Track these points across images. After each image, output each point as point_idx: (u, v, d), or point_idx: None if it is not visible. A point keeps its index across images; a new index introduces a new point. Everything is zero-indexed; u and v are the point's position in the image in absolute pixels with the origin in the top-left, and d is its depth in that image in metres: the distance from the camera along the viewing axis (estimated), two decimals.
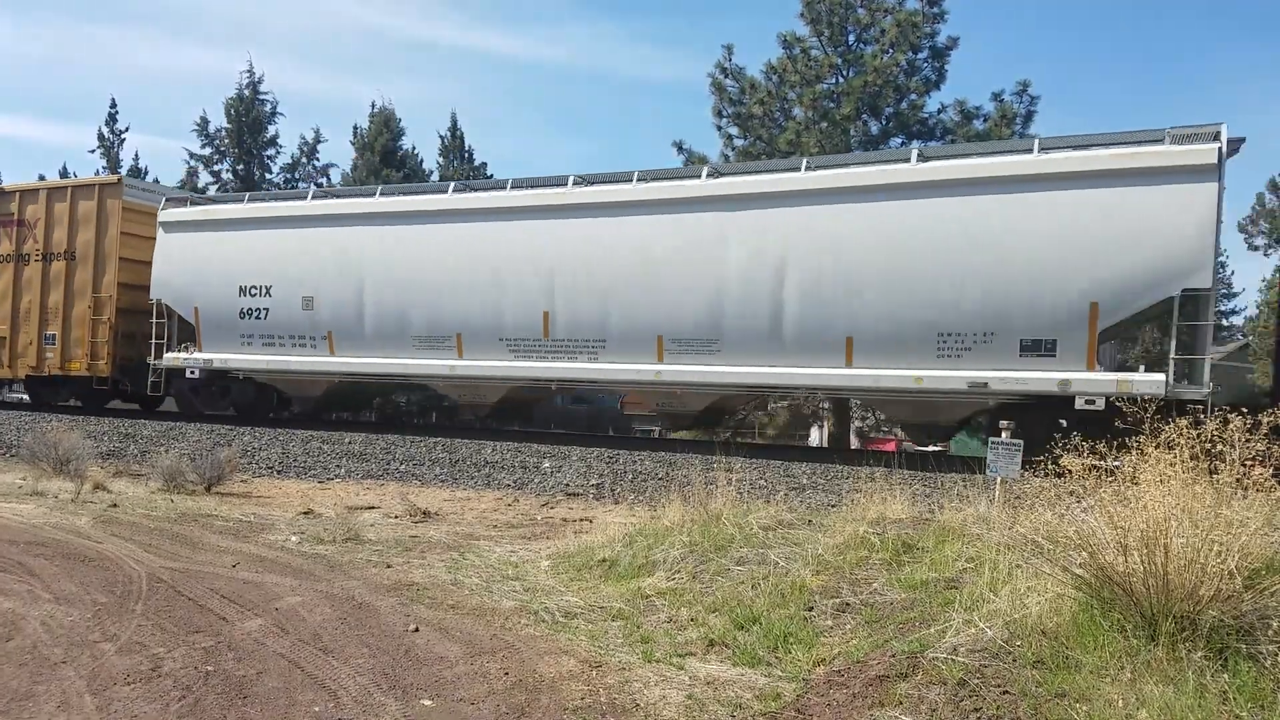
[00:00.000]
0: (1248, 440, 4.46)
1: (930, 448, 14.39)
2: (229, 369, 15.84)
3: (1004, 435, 7.78)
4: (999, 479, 7.54)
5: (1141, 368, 11.43)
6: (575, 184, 13.51)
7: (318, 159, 33.26)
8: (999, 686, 3.95)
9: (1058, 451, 4.84)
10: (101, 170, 34.04)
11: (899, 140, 21.13)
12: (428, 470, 12.30)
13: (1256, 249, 33.11)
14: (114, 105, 35.00)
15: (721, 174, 12.86)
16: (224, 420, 15.83)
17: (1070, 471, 4.74)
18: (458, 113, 66.07)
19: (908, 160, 11.58)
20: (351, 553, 7.73)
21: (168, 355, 16.14)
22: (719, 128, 22.41)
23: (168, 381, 16.52)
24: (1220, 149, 10.13)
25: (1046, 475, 5.05)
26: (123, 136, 34.83)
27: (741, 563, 6.45)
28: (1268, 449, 4.47)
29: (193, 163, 32.64)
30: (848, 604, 5.49)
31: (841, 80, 21.09)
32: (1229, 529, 4.06)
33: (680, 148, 22.48)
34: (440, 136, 32.60)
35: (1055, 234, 10.57)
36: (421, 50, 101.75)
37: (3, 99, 71.79)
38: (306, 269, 14.96)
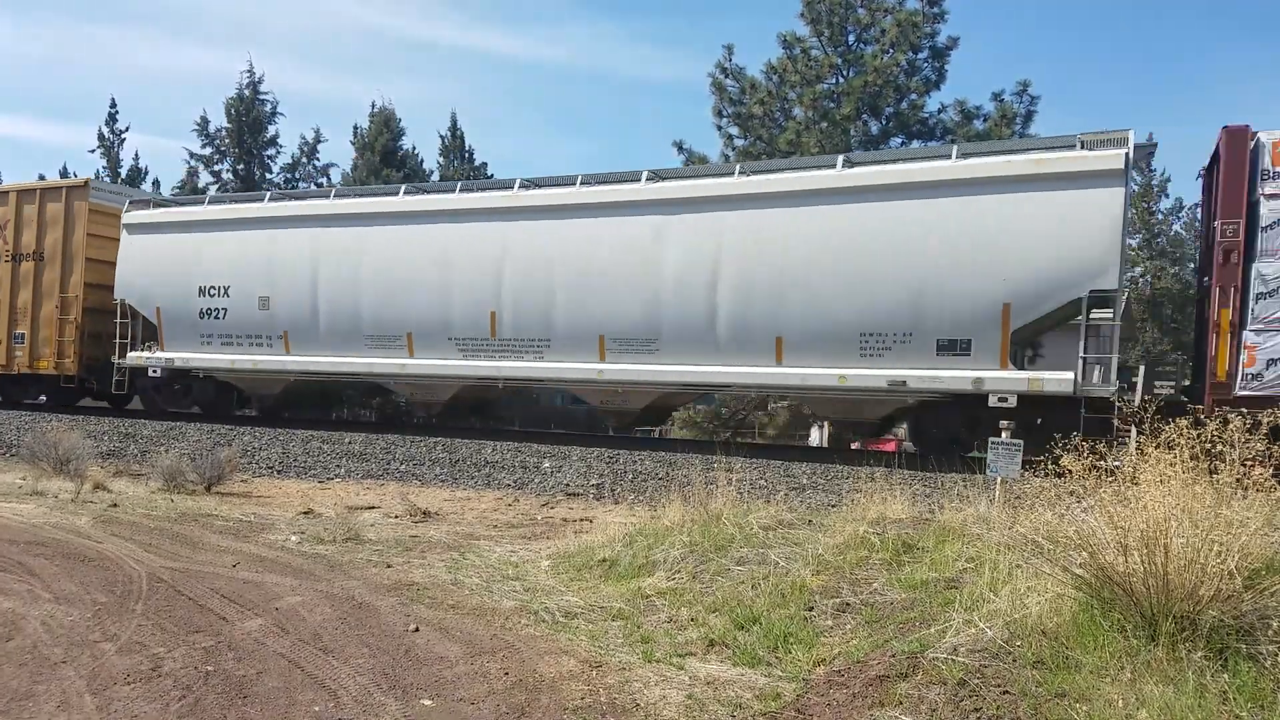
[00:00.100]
0: (1247, 440, 4.46)
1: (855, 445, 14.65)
2: (190, 368, 16.22)
3: (1004, 435, 7.79)
4: (999, 479, 7.55)
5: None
6: (521, 187, 13.91)
7: (318, 159, 33.31)
8: (999, 686, 3.95)
9: (1058, 452, 4.85)
10: (102, 170, 34.05)
11: (899, 140, 21.16)
12: (428, 470, 12.30)
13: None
14: (114, 105, 34.96)
15: (661, 178, 13.20)
16: (224, 420, 15.86)
17: (1070, 471, 4.74)
18: (458, 113, 66.15)
19: (834, 167, 12.00)
20: (351, 552, 7.74)
21: (131, 354, 16.48)
22: (719, 128, 22.47)
23: (132, 380, 16.85)
24: (1127, 154, 10.46)
25: (1047, 475, 5.05)
26: (123, 136, 34.80)
27: (742, 563, 6.45)
28: (1268, 449, 4.48)
29: (193, 163, 32.71)
30: (848, 604, 5.49)
31: (842, 80, 21.11)
32: (1229, 529, 4.06)
33: (680, 148, 22.54)
34: (440, 136, 32.69)
35: (971, 237, 10.92)
36: (421, 50, 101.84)
37: (3, 99, 71.83)
38: (263, 270, 15.28)
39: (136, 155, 50.00)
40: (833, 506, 8.90)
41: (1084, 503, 4.73)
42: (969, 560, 5.65)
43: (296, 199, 16.19)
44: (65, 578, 6.45)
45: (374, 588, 6.48)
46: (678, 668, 4.88)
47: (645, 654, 5.09)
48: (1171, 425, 4.60)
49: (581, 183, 13.46)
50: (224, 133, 32.34)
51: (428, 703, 4.38)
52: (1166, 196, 34.25)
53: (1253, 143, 10.21)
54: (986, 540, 5.87)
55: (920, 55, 21.12)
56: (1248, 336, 10.00)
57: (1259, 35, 72.89)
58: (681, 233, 12.46)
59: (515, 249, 13.47)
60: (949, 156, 11.40)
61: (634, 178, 13.17)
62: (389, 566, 7.23)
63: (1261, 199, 10.05)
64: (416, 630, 5.47)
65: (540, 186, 13.91)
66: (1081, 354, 10.60)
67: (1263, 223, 10.02)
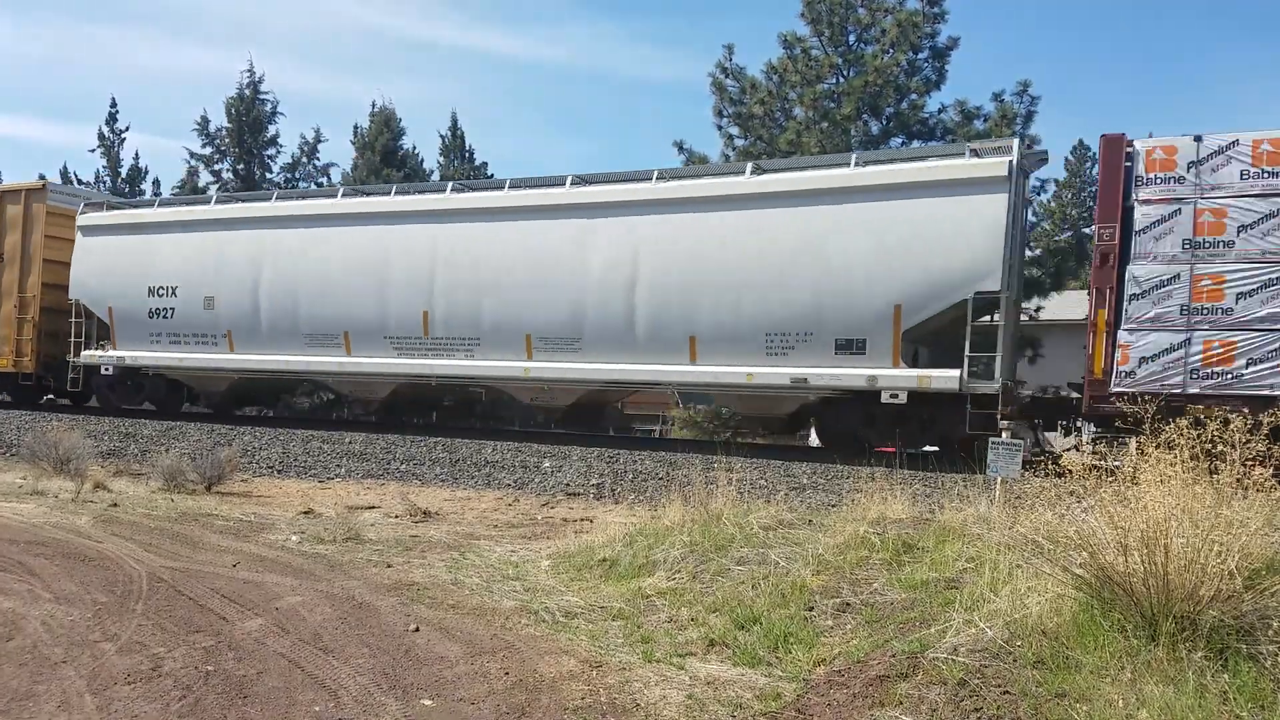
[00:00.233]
0: (1248, 441, 4.46)
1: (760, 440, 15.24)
2: (140, 366, 16.55)
3: (1004, 435, 7.79)
4: (999, 479, 7.55)
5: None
6: (454, 190, 14.42)
7: (318, 159, 33.23)
8: (999, 686, 3.95)
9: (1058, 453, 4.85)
10: (102, 170, 34.12)
11: (899, 140, 21.13)
12: (428, 470, 12.31)
13: None
14: (114, 105, 35.01)
15: (586, 183, 13.53)
16: (223, 420, 15.88)
17: (1071, 471, 4.74)
18: (458, 112, 65.89)
19: (743, 174, 12.51)
20: (352, 552, 7.74)
21: (85, 353, 16.83)
22: (719, 128, 22.40)
23: (87, 378, 17.11)
24: (1011, 162, 10.94)
25: (1047, 475, 5.05)
26: (123, 136, 34.84)
27: (742, 562, 6.45)
28: (1268, 449, 4.48)
29: (193, 162, 32.65)
30: (848, 604, 5.49)
31: (842, 80, 21.07)
32: (1229, 529, 4.06)
33: (681, 148, 22.49)
34: (441, 136, 32.69)
35: (867, 242, 11.41)
36: (421, 50, 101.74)
37: (3, 99, 71.69)
38: (208, 270, 15.61)
39: (137, 155, 50.05)
40: (833, 506, 8.89)
41: (1084, 503, 4.73)
42: (969, 560, 5.65)
43: (242, 201, 16.72)
44: (65, 577, 6.46)
45: (374, 587, 6.48)
46: (678, 668, 4.88)
47: (645, 654, 5.09)
48: (1171, 425, 4.60)
49: (510, 187, 13.91)
50: (224, 132, 32.31)
51: (428, 703, 4.38)
52: None
53: (1128, 150, 10.58)
54: (987, 540, 5.87)
55: (920, 55, 21.06)
56: (1122, 335, 10.33)
57: (1259, 35, 72.94)
58: (604, 236, 12.90)
59: (446, 251, 13.87)
60: (848, 165, 11.91)
61: (560, 182, 13.64)
62: (389, 566, 7.23)
63: (1136, 204, 10.44)
64: (417, 630, 5.47)
65: (472, 190, 14.45)
66: (967, 352, 11.00)
67: (1136, 227, 10.40)
